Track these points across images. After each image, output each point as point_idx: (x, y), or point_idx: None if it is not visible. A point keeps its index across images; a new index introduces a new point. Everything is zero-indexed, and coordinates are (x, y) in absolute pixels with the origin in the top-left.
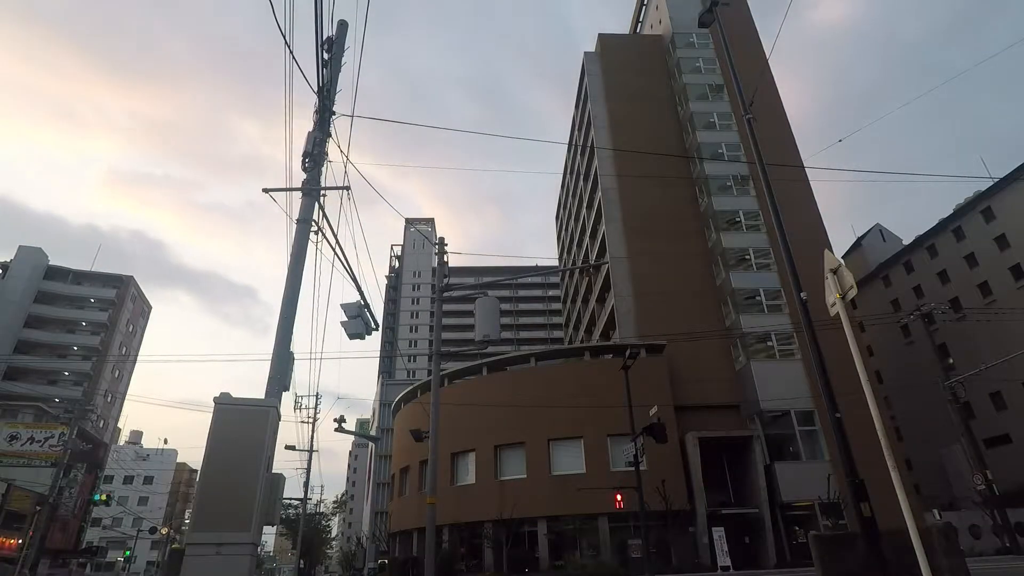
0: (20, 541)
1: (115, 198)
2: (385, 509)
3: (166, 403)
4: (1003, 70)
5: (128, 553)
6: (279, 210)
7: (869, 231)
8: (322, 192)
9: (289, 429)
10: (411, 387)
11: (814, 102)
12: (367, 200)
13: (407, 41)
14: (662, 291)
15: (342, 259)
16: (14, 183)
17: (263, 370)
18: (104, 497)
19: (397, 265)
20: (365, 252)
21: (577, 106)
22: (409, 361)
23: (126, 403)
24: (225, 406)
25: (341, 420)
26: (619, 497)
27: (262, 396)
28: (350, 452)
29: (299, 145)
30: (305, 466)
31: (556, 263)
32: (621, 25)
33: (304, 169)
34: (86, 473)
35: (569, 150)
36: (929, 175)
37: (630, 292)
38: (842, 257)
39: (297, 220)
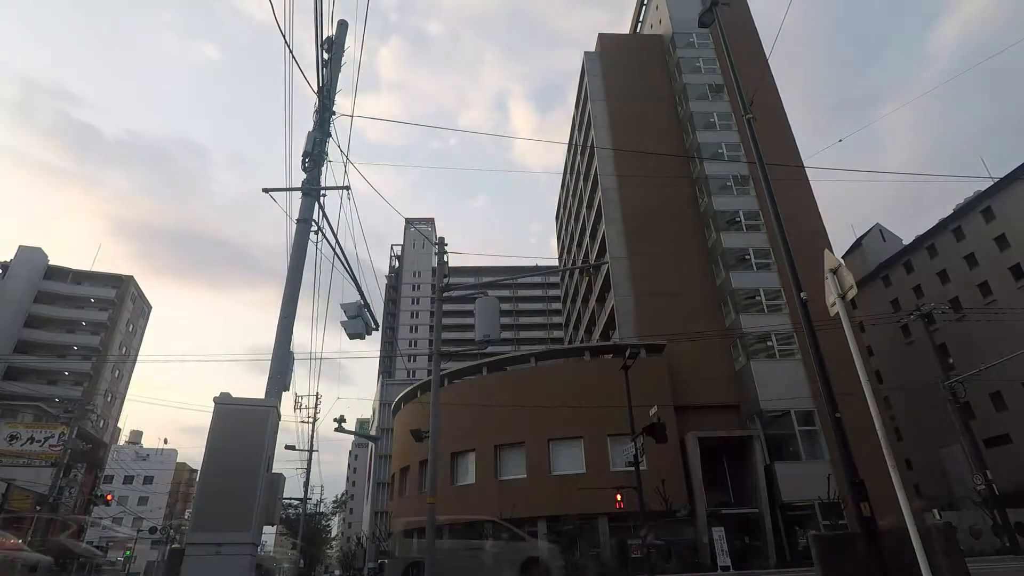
0: (20, 541)
1: None
2: (385, 509)
3: (166, 403)
4: (1002, 71)
5: (128, 553)
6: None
7: (869, 231)
8: (322, 192)
9: (289, 429)
10: (411, 387)
11: (814, 102)
12: (368, 199)
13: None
14: (662, 291)
15: (342, 259)
16: None
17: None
18: (108, 498)
19: (397, 265)
20: (365, 252)
21: (577, 106)
22: (409, 361)
23: (126, 403)
24: (225, 406)
25: (341, 420)
26: (619, 497)
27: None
28: (350, 452)
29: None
30: (305, 466)
31: (556, 263)
32: (621, 25)
33: (304, 169)
34: (86, 473)
35: (569, 150)
36: (929, 175)
37: (630, 292)
38: (842, 257)
39: (297, 220)
